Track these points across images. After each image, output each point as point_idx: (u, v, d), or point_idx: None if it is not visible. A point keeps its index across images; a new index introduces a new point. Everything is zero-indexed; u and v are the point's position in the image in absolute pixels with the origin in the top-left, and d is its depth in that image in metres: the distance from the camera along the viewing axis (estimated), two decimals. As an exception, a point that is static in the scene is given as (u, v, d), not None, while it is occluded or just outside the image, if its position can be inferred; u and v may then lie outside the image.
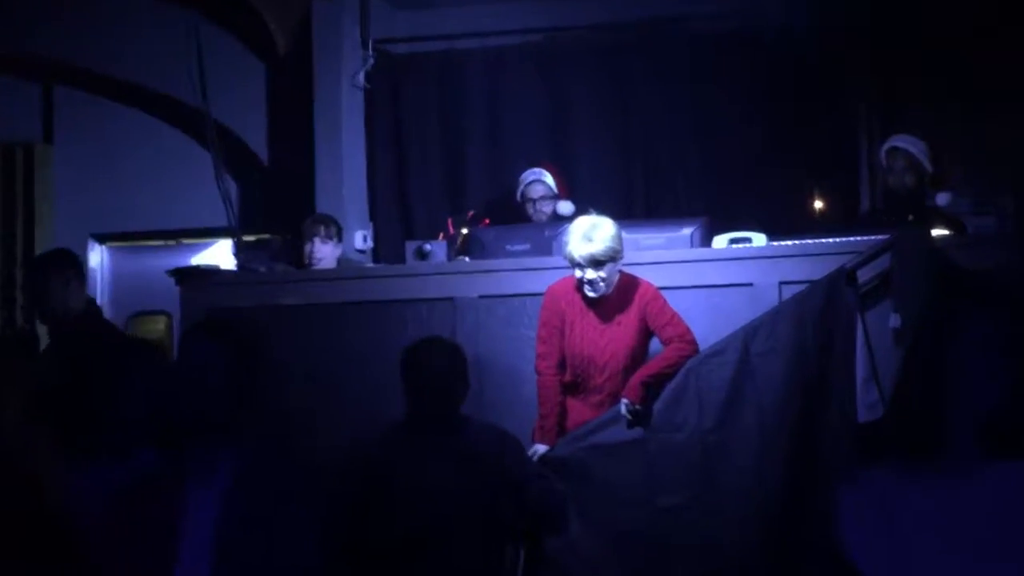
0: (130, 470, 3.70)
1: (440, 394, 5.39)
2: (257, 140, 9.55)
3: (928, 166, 7.11)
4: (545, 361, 5.94)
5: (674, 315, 5.89)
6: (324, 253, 7.60)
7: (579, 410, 5.93)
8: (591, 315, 5.91)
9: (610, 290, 5.88)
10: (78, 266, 5.89)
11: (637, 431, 5.77)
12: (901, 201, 7.06)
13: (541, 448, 5.78)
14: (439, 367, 5.40)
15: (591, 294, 5.85)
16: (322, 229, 7.63)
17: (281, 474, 3.29)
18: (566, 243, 5.85)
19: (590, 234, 5.79)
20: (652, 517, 5.71)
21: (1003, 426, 4.53)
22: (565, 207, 7.58)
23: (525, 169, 8.03)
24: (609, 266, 5.81)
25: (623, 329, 5.89)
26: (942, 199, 6.68)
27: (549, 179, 7.90)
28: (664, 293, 5.98)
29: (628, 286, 5.93)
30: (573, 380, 5.93)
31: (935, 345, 5.39)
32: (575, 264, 5.82)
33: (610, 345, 5.88)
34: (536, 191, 7.85)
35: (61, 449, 5.48)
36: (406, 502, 5.09)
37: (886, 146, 7.23)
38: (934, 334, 5.46)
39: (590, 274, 5.80)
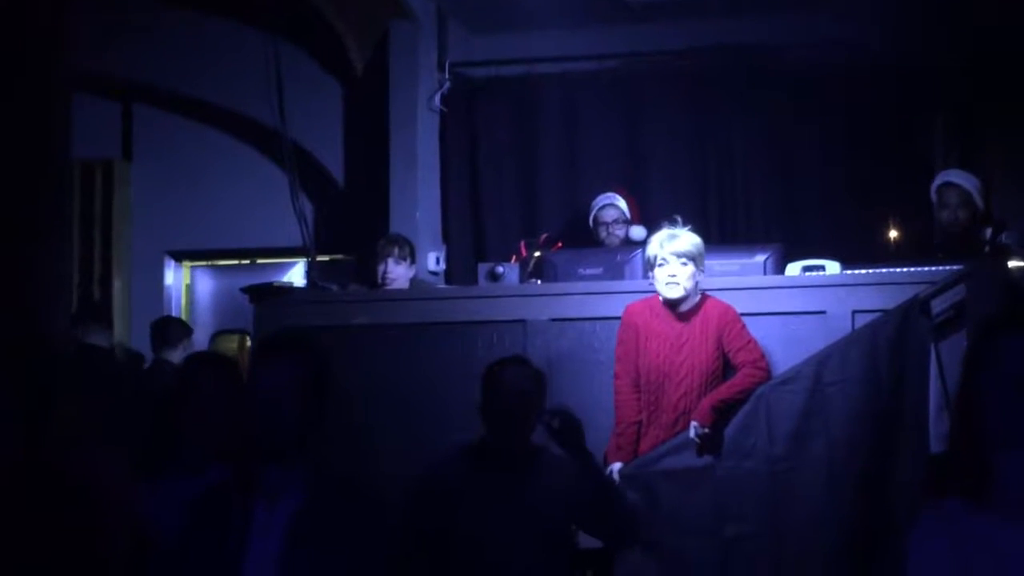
0: (202, 485, 3.73)
1: (518, 421, 5.07)
2: (333, 160, 9.66)
3: (980, 202, 7.04)
4: (622, 379, 5.98)
5: (750, 340, 5.91)
6: (397, 274, 7.61)
7: (653, 432, 5.93)
8: (668, 333, 5.94)
9: (690, 298, 5.91)
10: None
11: (706, 458, 5.77)
12: (954, 238, 7.01)
13: (616, 466, 5.78)
14: (524, 390, 5.08)
15: (672, 293, 5.86)
16: (396, 250, 7.64)
17: (348, 502, 3.29)
18: (648, 244, 5.94)
19: (675, 232, 5.90)
20: (717, 546, 5.69)
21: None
22: (638, 232, 7.61)
23: (598, 194, 8.06)
24: (692, 268, 5.86)
25: (700, 348, 5.90)
26: (1008, 237, 6.62)
27: (622, 204, 7.95)
28: (737, 319, 5.98)
29: (709, 306, 5.96)
30: (648, 399, 5.94)
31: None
32: (657, 263, 5.87)
33: (687, 362, 5.89)
34: (609, 215, 7.90)
35: (136, 466, 5.57)
36: (473, 536, 4.93)
37: (937, 182, 7.16)
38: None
39: (672, 267, 5.84)
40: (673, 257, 5.86)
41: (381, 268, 7.63)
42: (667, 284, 5.88)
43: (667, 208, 6.09)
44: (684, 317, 5.95)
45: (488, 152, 9.34)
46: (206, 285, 10.04)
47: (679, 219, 6.01)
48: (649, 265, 5.95)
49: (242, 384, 4.02)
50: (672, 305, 5.94)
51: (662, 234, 5.93)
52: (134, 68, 9.83)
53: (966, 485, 2.84)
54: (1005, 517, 2.80)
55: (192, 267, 10.25)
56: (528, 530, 4.93)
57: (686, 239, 5.89)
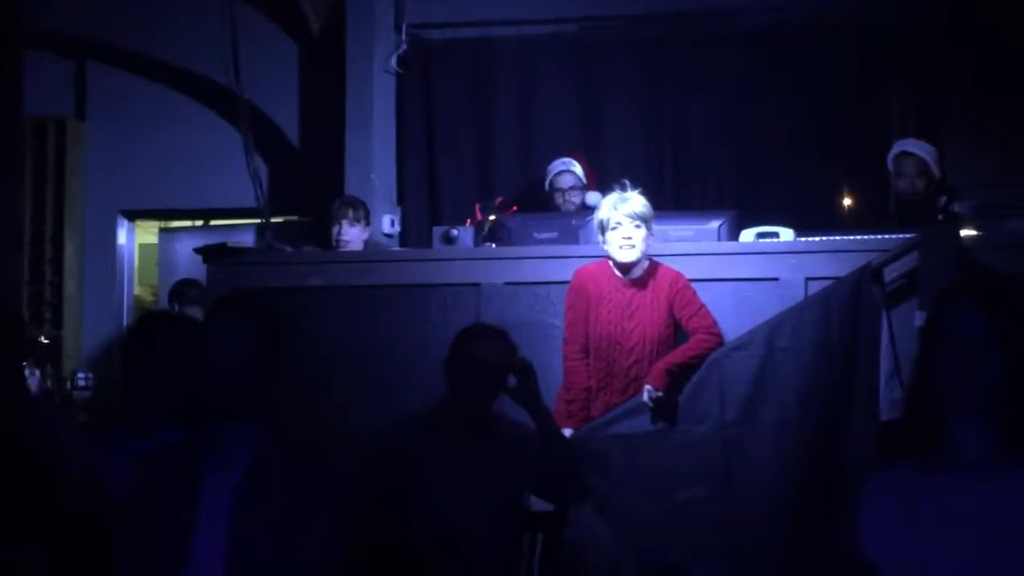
0: (153, 446, 3.70)
1: (487, 394, 5.12)
2: (288, 121, 9.62)
3: (936, 171, 7.08)
4: (571, 345, 5.98)
5: (701, 306, 5.93)
6: (351, 236, 7.58)
7: (604, 397, 5.94)
8: (619, 299, 5.94)
9: (641, 263, 5.91)
10: None
11: (658, 423, 5.77)
12: (910, 207, 7.03)
13: (566, 432, 5.71)
14: (497, 365, 5.12)
15: (627, 256, 5.86)
16: (350, 212, 7.61)
17: (299, 461, 3.26)
18: (600, 209, 5.92)
19: (625, 195, 5.89)
20: (669, 510, 5.69)
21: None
22: (593, 198, 7.56)
23: (555, 158, 8.05)
24: (645, 231, 5.86)
25: (651, 314, 5.91)
26: (961, 206, 6.64)
27: (578, 169, 7.92)
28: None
29: (658, 273, 5.97)
30: (599, 365, 5.94)
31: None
32: (610, 227, 5.85)
33: (637, 329, 5.90)
34: (565, 181, 7.88)
35: (89, 426, 5.50)
36: (429, 501, 4.94)
37: (895, 151, 7.19)
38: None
39: (627, 230, 5.84)
40: (627, 219, 5.85)
41: (335, 230, 7.60)
42: (621, 247, 5.87)
43: (623, 174, 6.09)
44: (635, 283, 5.95)
45: (444, 114, 9.28)
46: (164, 246, 9.98)
47: (627, 183, 6.00)
48: (601, 229, 5.93)
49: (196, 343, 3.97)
50: (624, 270, 5.94)
51: (612, 197, 5.92)
52: (89, 26, 9.74)
53: (919, 449, 2.89)
54: (955, 478, 2.85)
55: (145, 226, 10.19)
56: (483, 494, 4.97)
57: (638, 201, 5.89)
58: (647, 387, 5.73)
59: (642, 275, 5.96)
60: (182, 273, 8.67)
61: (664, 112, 8.97)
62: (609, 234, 5.89)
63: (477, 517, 4.94)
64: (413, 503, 4.94)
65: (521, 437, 5.12)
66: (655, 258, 6.03)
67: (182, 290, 8.06)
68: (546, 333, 6.29)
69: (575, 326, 5.99)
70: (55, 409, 5.22)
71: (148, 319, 4.80)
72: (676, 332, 5.97)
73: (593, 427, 5.83)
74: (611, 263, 5.96)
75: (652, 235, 5.94)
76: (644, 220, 5.87)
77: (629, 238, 5.85)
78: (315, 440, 3.46)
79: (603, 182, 7.83)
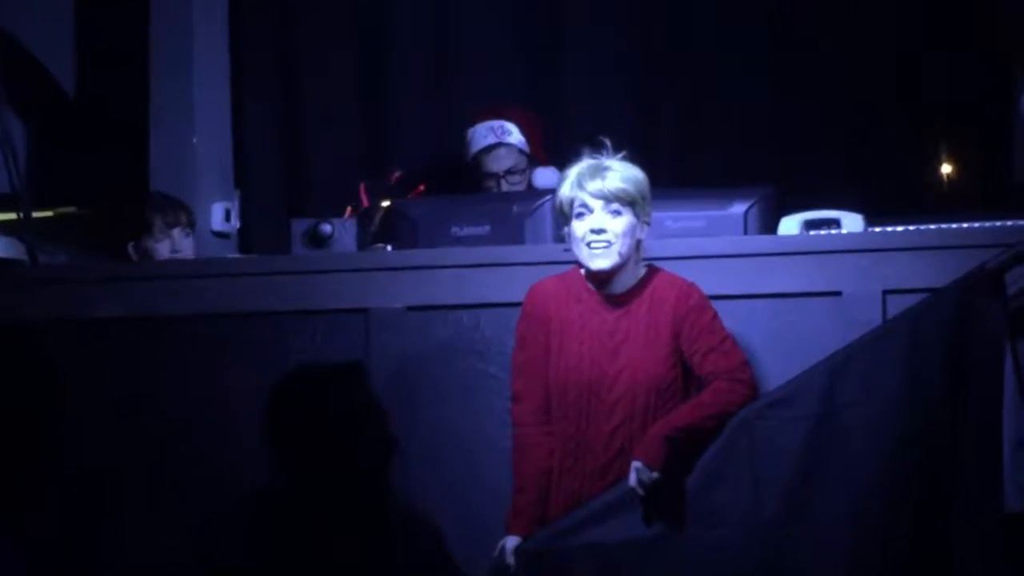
0: None
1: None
2: (63, 68, 9.56)
3: None
4: (523, 404, 5.93)
5: (725, 339, 5.88)
6: (187, 249, 7.77)
7: (569, 483, 5.89)
8: (596, 327, 5.90)
9: (628, 269, 5.89)
10: None
11: (655, 524, 5.74)
12: None
13: (511, 542, 5.77)
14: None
15: (599, 262, 5.83)
16: (183, 217, 7.79)
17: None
18: (563, 181, 5.91)
19: (601, 164, 5.88)
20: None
21: None
22: (545, 177, 7.55)
23: (481, 108, 8.16)
24: (630, 219, 5.81)
25: (646, 350, 5.86)
26: None
27: (517, 135, 8.00)
28: (707, 305, 6.05)
29: (657, 285, 5.93)
30: (566, 431, 5.91)
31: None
32: (574, 213, 5.84)
33: (625, 372, 5.85)
34: (499, 163, 8.00)
35: None
36: None
37: None
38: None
39: (597, 219, 5.81)
40: (598, 201, 5.80)
41: (163, 247, 7.71)
42: (591, 245, 5.82)
43: (594, 131, 6.02)
44: (621, 301, 5.90)
45: (308, 49, 9.36)
46: None
47: (607, 144, 5.95)
48: (563, 217, 5.90)
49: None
50: (602, 282, 5.89)
51: (580, 167, 5.89)
52: None
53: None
54: None
55: None
56: None
57: (618, 172, 5.84)
58: (636, 465, 5.68)
59: (633, 288, 5.91)
60: None
61: (655, 33, 9.04)
62: (574, 224, 5.85)
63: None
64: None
65: None
66: (653, 262, 5.99)
67: None
68: (474, 386, 6.36)
69: (531, 372, 5.93)
70: None
71: None
72: (685, 376, 5.92)
73: (552, 533, 5.78)
74: (583, 272, 5.91)
75: (648, 223, 5.90)
76: (628, 202, 5.82)
77: (601, 231, 5.79)
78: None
79: (561, 149, 7.80)
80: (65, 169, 9.31)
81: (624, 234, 5.81)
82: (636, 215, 5.83)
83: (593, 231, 5.80)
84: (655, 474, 5.65)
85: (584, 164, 5.88)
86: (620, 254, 5.81)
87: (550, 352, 5.91)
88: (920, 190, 7.81)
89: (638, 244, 5.87)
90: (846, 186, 7.42)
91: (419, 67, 9.26)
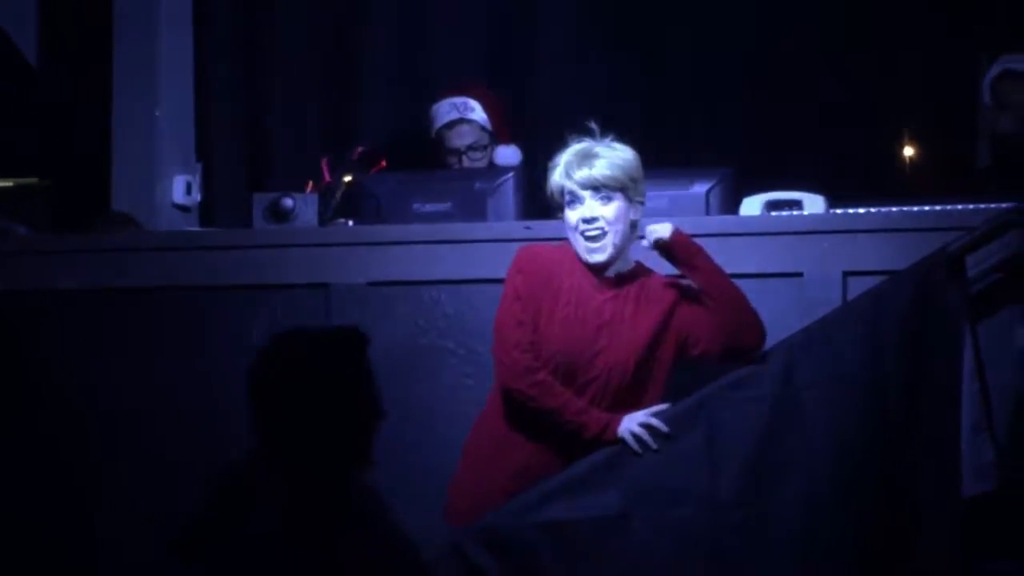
0: None
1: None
2: (25, 38, 9.49)
3: None
4: (528, 353, 5.79)
5: None
6: None
7: (539, 450, 5.82)
8: (584, 303, 5.85)
9: (618, 256, 5.83)
10: None
11: (617, 503, 5.69)
12: (1017, 160, 7.14)
13: (617, 424, 5.69)
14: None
15: (596, 255, 5.80)
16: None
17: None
18: (554, 168, 5.87)
19: (591, 151, 5.82)
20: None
21: None
22: (508, 155, 7.54)
23: (445, 83, 8.22)
24: (618, 203, 5.78)
25: (637, 335, 5.80)
26: None
27: (480, 113, 8.01)
28: (663, 285, 6.02)
29: (657, 281, 5.90)
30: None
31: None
32: (565, 198, 5.81)
33: (601, 356, 5.79)
34: (460, 139, 8.00)
35: None
36: None
37: (993, 72, 7.35)
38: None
39: (588, 207, 5.77)
40: (586, 191, 5.78)
41: None
42: (585, 235, 5.79)
43: (559, 112, 6.05)
44: (612, 284, 5.87)
45: (274, 19, 9.37)
46: None
47: (595, 128, 5.92)
48: (556, 203, 5.88)
49: None
50: (596, 266, 5.88)
51: (568, 155, 5.85)
52: None
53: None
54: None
55: None
56: None
57: (606, 159, 5.80)
58: (651, 230, 5.77)
59: (624, 274, 5.88)
60: None
61: (623, 8, 9.01)
62: (567, 213, 5.83)
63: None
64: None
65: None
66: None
67: None
68: (435, 362, 6.40)
69: (527, 323, 5.81)
70: None
71: None
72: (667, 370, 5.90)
73: (517, 507, 5.72)
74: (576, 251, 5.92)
75: (642, 203, 5.87)
76: (618, 187, 5.79)
77: (593, 220, 5.78)
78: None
79: (527, 127, 7.80)
80: (26, 140, 9.27)
81: (616, 220, 5.78)
82: (628, 198, 5.80)
83: (585, 220, 5.78)
84: (667, 236, 5.72)
85: (572, 151, 5.84)
86: (615, 244, 5.78)
87: (541, 315, 5.84)
88: (882, 173, 7.82)
89: (634, 224, 5.84)
90: (808, 167, 7.43)
91: (382, 41, 9.27)
